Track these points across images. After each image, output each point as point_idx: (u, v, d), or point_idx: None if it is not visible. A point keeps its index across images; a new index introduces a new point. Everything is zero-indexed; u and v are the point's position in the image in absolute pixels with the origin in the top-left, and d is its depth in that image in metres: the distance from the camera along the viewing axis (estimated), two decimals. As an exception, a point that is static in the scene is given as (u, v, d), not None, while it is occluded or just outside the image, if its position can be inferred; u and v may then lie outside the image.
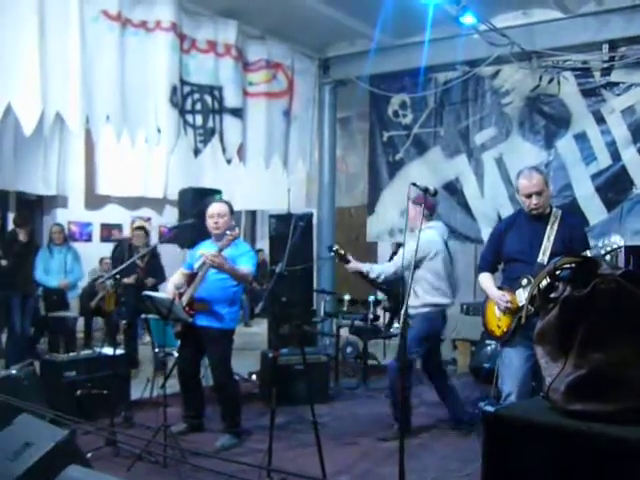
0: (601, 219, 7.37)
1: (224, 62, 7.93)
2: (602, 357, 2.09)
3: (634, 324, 2.09)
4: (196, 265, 5.69)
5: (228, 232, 5.46)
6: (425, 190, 4.47)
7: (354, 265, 5.97)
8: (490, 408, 2.23)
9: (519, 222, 4.92)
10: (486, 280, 5.00)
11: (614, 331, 2.09)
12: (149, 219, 12.26)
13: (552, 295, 2.23)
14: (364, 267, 6.00)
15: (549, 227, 4.71)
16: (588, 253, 4.33)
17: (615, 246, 4.27)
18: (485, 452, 2.25)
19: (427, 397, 7.12)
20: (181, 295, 5.62)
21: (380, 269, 6.01)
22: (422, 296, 5.82)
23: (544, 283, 2.39)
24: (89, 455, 4.79)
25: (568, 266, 2.21)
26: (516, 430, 2.19)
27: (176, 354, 6.49)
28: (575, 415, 2.11)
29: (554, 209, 4.83)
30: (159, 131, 7.40)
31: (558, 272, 2.22)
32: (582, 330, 2.13)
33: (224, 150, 8.09)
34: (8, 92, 6.03)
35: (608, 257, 4.39)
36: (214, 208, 5.77)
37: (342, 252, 5.95)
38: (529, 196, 4.71)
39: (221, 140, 8.04)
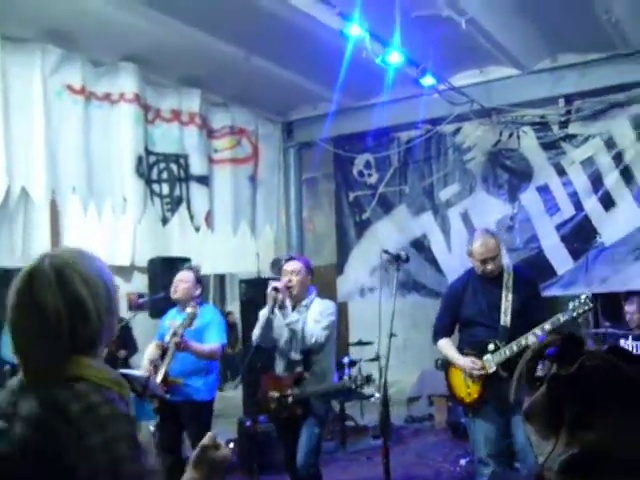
0: (568, 268, 7.47)
1: (189, 130, 7.98)
2: (593, 435, 2.09)
3: (622, 400, 2.10)
4: (166, 338, 5.63)
5: (189, 309, 5.42)
6: (397, 257, 4.49)
7: None
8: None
9: (473, 284, 4.89)
10: (448, 347, 4.93)
11: (602, 408, 2.10)
12: (117, 287, 12.10)
13: (539, 374, 2.24)
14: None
15: (504, 287, 4.69)
16: (560, 317, 4.36)
17: (586, 308, 4.32)
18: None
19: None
20: (156, 369, 5.54)
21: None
22: None
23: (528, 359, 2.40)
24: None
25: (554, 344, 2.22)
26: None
27: (152, 428, 6.40)
28: (570, 494, 2.10)
29: (505, 265, 4.85)
30: (125, 200, 7.41)
31: (544, 350, 2.23)
32: (571, 409, 2.13)
33: (192, 218, 8.09)
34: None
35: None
36: (179, 274, 5.79)
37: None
38: (484, 262, 4.71)
39: (188, 208, 8.04)
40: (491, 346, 4.60)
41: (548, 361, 2.27)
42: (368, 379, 4.83)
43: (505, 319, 4.61)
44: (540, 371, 2.30)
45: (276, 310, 4.90)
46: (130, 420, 1.78)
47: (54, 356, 1.75)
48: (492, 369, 4.60)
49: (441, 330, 5.00)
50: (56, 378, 1.74)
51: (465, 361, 4.74)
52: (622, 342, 6.04)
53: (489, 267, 4.68)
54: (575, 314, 4.30)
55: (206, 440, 1.97)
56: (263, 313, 4.97)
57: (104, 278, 1.89)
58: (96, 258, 1.94)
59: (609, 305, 7.95)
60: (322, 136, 8.88)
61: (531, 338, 4.41)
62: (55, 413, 1.69)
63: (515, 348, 4.49)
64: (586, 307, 4.28)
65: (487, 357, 4.63)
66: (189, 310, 5.39)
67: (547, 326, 4.38)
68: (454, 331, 5.02)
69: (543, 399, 2.25)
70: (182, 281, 5.69)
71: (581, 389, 2.16)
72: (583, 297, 4.35)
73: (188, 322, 5.32)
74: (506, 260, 4.94)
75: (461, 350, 4.81)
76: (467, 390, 4.78)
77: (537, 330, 4.41)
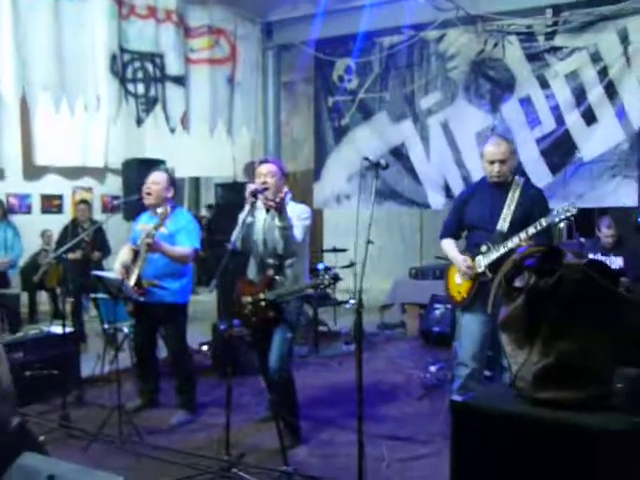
0: (546, 182, 7.45)
1: (165, 28, 7.75)
2: (568, 346, 2.12)
3: (598, 313, 2.11)
4: (138, 241, 5.56)
5: (160, 209, 5.33)
6: (377, 164, 4.42)
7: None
8: (458, 398, 2.25)
9: (481, 190, 4.98)
10: (449, 245, 5.06)
11: (579, 320, 2.11)
12: (90, 189, 11.99)
13: (517, 284, 2.24)
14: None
15: (510, 195, 4.77)
16: (543, 221, 4.40)
17: (569, 214, 4.34)
18: (454, 440, 2.27)
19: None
20: (128, 273, 5.50)
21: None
22: None
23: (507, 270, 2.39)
24: (42, 438, 4.71)
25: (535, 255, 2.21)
26: (484, 418, 2.22)
27: (126, 329, 6.43)
28: (541, 403, 2.14)
29: (516, 178, 4.88)
30: (99, 99, 7.24)
31: (524, 261, 2.22)
32: (548, 319, 2.15)
33: (167, 119, 7.94)
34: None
35: (562, 224, 4.48)
36: (150, 176, 5.66)
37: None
38: (492, 162, 4.76)
39: (164, 109, 7.89)
40: (484, 248, 4.72)
41: (527, 272, 2.27)
42: (336, 277, 4.81)
43: (503, 224, 4.70)
44: (518, 282, 2.30)
45: (248, 217, 4.83)
46: None
47: None
48: (480, 269, 4.71)
49: (446, 232, 5.12)
50: None
51: (459, 259, 4.88)
52: (591, 256, 6.12)
53: (496, 169, 4.73)
54: (557, 219, 4.35)
55: None
56: (242, 217, 4.89)
57: None
58: None
59: (583, 220, 8.00)
60: (303, 38, 8.67)
61: (515, 240, 4.49)
62: None
63: (502, 250, 4.58)
64: (568, 213, 4.30)
65: (478, 258, 4.76)
66: (160, 210, 5.29)
67: (531, 229, 4.45)
68: (461, 235, 5.10)
69: (521, 309, 2.26)
70: (154, 183, 5.58)
71: (559, 300, 2.17)
72: (567, 204, 4.38)
73: (160, 222, 5.24)
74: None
75: (463, 253, 4.90)
76: (458, 288, 4.93)
77: (522, 234, 4.46)
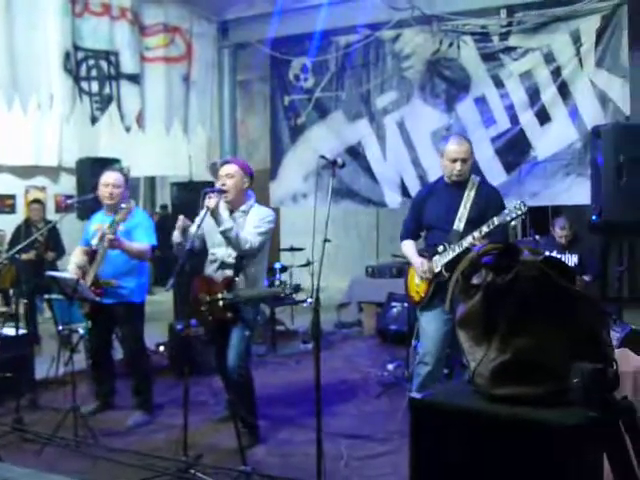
0: (501, 181, 7.53)
1: (119, 26, 7.69)
2: (524, 342, 2.13)
3: (554, 309, 2.14)
4: (93, 241, 5.47)
5: (123, 205, 5.25)
6: (334, 162, 4.42)
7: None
8: (416, 395, 2.25)
9: (438, 190, 5.01)
10: (408, 247, 5.09)
11: (535, 316, 2.13)
12: (44, 188, 11.77)
13: (474, 281, 2.26)
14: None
15: (466, 194, 4.81)
16: (495, 220, 4.46)
17: (520, 212, 4.41)
18: (412, 437, 2.28)
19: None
20: (84, 274, 5.43)
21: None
22: None
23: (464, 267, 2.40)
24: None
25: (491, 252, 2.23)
26: (442, 415, 2.22)
27: (81, 331, 6.34)
28: (499, 399, 2.15)
29: (472, 176, 4.92)
30: (52, 97, 7.14)
31: (481, 258, 2.24)
32: (504, 316, 2.16)
33: (122, 117, 7.89)
34: None
35: (515, 222, 4.55)
36: (109, 177, 5.54)
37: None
38: (454, 161, 4.78)
39: (119, 107, 7.83)
40: (440, 248, 4.76)
41: (484, 269, 2.29)
42: (297, 288, 4.84)
43: (459, 224, 4.74)
44: (476, 279, 2.32)
45: (207, 216, 4.80)
46: None
47: None
48: (437, 269, 4.75)
49: (405, 233, 5.15)
50: None
51: (417, 260, 4.91)
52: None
53: (458, 167, 4.76)
54: (509, 218, 4.41)
55: None
56: (199, 217, 4.85)
57: None
58: None
59: (538, 218, 8.12)
60: (259, 37, 8.67)
61: (469, 239, 4.53)
62: None
63: (458, 249, 4.62)
64: (519, 212, 4.37)
65: (435, 258, 4.80)
66: (123, 206, 5.21)
67: (484, 228, 4.49)
68: (420, 235, 5.13)
69: (478, 306, 2.27)
70: (116, 185, 5.49)
71: (516, 297, 2.19)
72: (518, 202, 4.44)
73: (122, 217, 5.16)
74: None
75: (421, 253, 4.93)
76: (416, 288, 4.96)
77: (476, 233, 4.50)
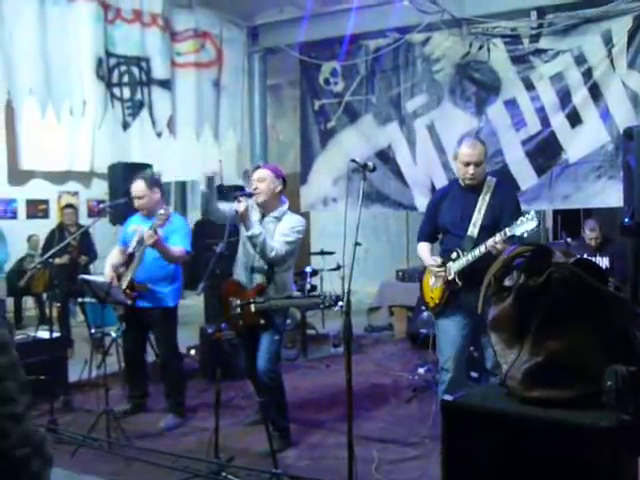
0: (531, 184, 7.49)
1: (151, 32, 7.75)
2: (557, 344, 2.13)
3: (587, 311, 2.13)
4: (132, 244, 5.55)
5: (161, 211, 5.28)
6: (364, 166, 4.42)
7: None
8: (449, 397, 2.25)
9: (453, 193, 4.94)
10: (422, 249, 5.05)
11: (568, 319, 2.13)
12: (76, 193, 11.94)
13: (506, 284, 2.25)
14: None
15: (480, 198, 4.72)
16: (507, 231, 4.35)
17: (533, 224, 4.28)
18: (445, 439, 2.28)
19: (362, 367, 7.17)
20: (119, 277, 5.49)
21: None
22: None
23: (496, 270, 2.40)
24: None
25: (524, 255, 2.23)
26: (475, 417, 2.23)
27: (113, 334, 6.40)
28: (532, 402, 2.15)
29: (488, 178, 4.84)
30: (85, 103, 7.24)
31: (513, 260, 2.23)
32: (537, 318, 2.16)
33: (154, 123, 7.95)
34: None
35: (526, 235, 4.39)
36: (133, 189, 5.62)
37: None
38: (467, 164, 4.71)
39: (150, 113, 7.90)
40: (454, 254, 4.69)
41: (516, 272, 2.29)
42: (337, 299, 4.83)
43: (473, 230, 4.66)
44: (507, 281, 2.31)
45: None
46: None
47: None
48: (450, 276, 4.68)
49: (421, 236, 5.11)
50: None
51: (429, 261, 4.87)
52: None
53: (470, 171, 4.68)
54: (521, 230, 4.25)
55: None
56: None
57: None
58: None
59: (570, 220, 8.05)
60: (288, 42, 8.70)
61: (482, 249, 4.46)
62: None
63: (470, 257, 4.56)
64: (532, 223, 4.22)
65: (449, 264, 4.73)
66: (162, 211, 5.23)
67: (497, 237, 4.40)
68: (437, 238, 5.09)
69: (510, 309, 2.27)
70: (140, 197, 5.53)
71: (548, 300, 2.18)
72: (530, 214, 4.30)
73: (160, 223, 5.17)
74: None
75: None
76: (431, 295, 4.91)
77: (489, 241, 4.42)
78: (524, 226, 4.28)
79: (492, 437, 2.16)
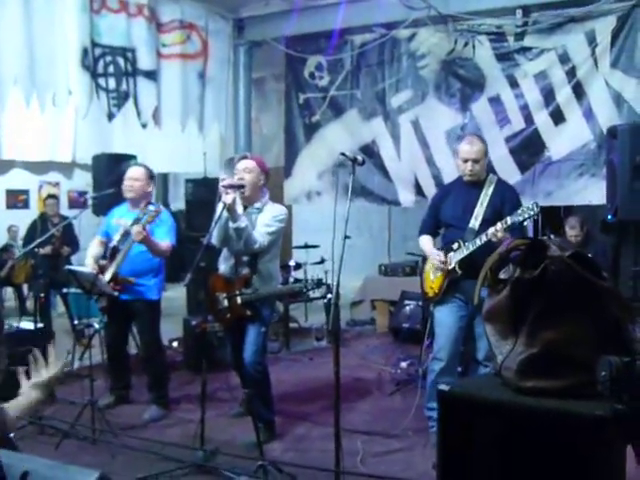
0: (515, 181, 7.52)
1: (137, 23, 7.70)
2: (552, 335, 2.16)
3: (581, 303, 2.17)
4: (115, 237, 5.52)
5: (152, 207, 5.29)
6: (354, 160, 4.46)
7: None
8: (444, 387, 2.28)
9: (456, 188, 5.06)
10: (425, 241, 5.14)
11: (563, 311, 2.16)
12: (57, 184, 11.84)
13: (502, 276, 2.29)
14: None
15: (483, 193, 4.85)
16: (508, 219, 4.46)
17: (532, 213, 4.41)
18: (440, 428, 2.31)
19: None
20: (102, 269, 5.45)
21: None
22: None
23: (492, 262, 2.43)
24: (11, 435, 4.66)
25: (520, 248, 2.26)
26: (470, 407, 2.26)
27: (96, 325, 6.37)
28: (527, 392, 2.18)
29: (490, 175, 4.99)
30: (70, 93, 7.19)
31: (509, 254, 2.27)
32: (532, 310, 2.20)
33: (139, 114, 7.91)
34: None
35: (526, 222, 4.56)
36: (132, 171, 5.64)
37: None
38: (466, 161, 4.83)
39: (135, 104, 7.85)
40: (455, 245, 4.80)
41: (512, 264, 2.32)
42: (319, 283, 4.87)
43: (474, 223, 4.78)
44: (503, 274, 2.35)
45: (224, 212, 4.83)
46: None
47: None
48: (451, 266, 4.77)
49: (424, 229, 5.20)
50: None
51: (433, 253, 4.95)
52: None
53: (469, 167, 4.81)
54: (521, 218, 4.41)
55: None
56: (218, 211, 4.88)
57: None
58: None
59: (552, 218, 8.12)
60: (274, 35, 8.69)
61: (483, 238, 4.55)
62: None
63: (471, 247, 4.65)
64: (532, 212, 4.38)
65: (450, 254, 4.83)
66: (152, 208, 5.23)
67: (498, 226, 4.50)
68: (438, 232, 5.20)
69: (506, 300, 2.30)
70: (134, 179, 5.56)
71: (544, 292, 2.22)
72: (532, 203, 4.46)
73: (150, 219, 5.16)
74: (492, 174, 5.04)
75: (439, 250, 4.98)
76: (431, 284, 5.00)
77: (490, 230, 4.51)
78: (525, 214, 4.39)
79: (487, 426, 2.19)
